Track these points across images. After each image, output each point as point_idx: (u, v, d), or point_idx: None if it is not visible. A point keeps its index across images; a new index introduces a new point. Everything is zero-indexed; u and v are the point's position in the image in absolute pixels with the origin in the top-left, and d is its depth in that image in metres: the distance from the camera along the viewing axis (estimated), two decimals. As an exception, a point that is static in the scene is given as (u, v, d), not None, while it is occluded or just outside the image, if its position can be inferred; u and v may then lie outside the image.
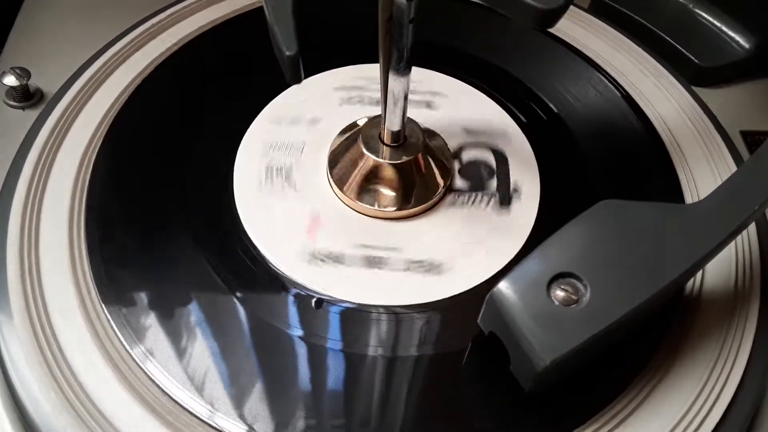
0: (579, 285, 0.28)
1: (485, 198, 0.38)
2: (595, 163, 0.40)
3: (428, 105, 0.42)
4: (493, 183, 0.38)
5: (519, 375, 0.29)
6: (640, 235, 0.29)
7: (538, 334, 0.27)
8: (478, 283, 0.34)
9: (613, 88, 0.43)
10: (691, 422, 0.31)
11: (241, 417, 0.30)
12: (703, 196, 0.32)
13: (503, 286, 0.28)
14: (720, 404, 0.31)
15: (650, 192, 0.39)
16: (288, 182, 0.38)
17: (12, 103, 0.42)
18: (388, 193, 0.36)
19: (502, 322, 0.28)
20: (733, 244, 0.36)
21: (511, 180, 0.39)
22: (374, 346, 0.32)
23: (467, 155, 0.40)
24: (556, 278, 0.28)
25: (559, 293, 0.28)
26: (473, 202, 0.38)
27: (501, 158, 0.40)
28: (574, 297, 0.28)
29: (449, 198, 0.38)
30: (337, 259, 0.35)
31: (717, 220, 0.30)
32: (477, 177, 0.39)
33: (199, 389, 0.30)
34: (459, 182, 0.38)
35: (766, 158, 0.31)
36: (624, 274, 0.28)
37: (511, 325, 0.28)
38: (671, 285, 0.28)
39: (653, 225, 0.29)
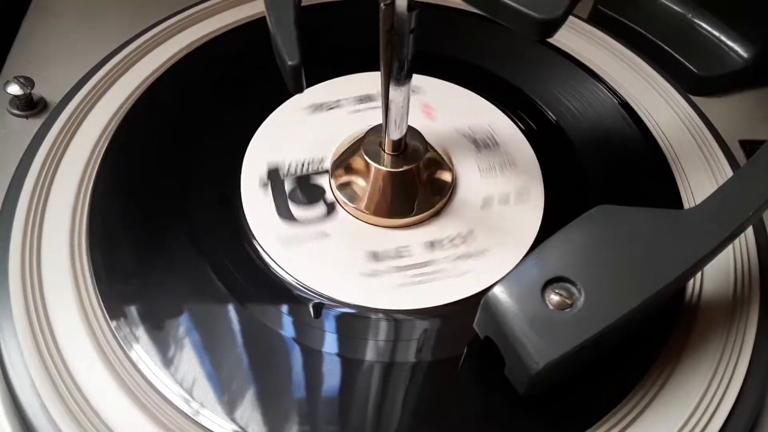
0: (573, 289, 0.28)
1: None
2: (595, 172, 0.40)
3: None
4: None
5: (514, 378, 0.29)
6: (634, 239, 0.29)
7: (533, 338, 0.27)
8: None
9: (612, 97, 0.43)
10: (695, 426, 0.31)
11: (236, 421, 0.30)
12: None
13: (498, 290, 0.28)
14: (723, 408, 0.31)
15: (649, 201, 0.39)
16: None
17: (15, 111, 0.42)
18: (397, 201, 0.37)
19: (497, 327, 0.28)
20: (731, 248, 0.36)
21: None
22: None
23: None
24: (551, 282, 0.28)
25: (554, 297, 0.28)
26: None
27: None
28: (568, 301, 0.28)
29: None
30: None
31: (712, 224, 0.30)
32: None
33: (201, 394, 0.30)
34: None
35: (762, 163, 0.31)
36: (618, 278, 0.28)
37: (506, 330, 0.28)
38: (666, 289, 0.28)
39: (648, 229, 0.29)
